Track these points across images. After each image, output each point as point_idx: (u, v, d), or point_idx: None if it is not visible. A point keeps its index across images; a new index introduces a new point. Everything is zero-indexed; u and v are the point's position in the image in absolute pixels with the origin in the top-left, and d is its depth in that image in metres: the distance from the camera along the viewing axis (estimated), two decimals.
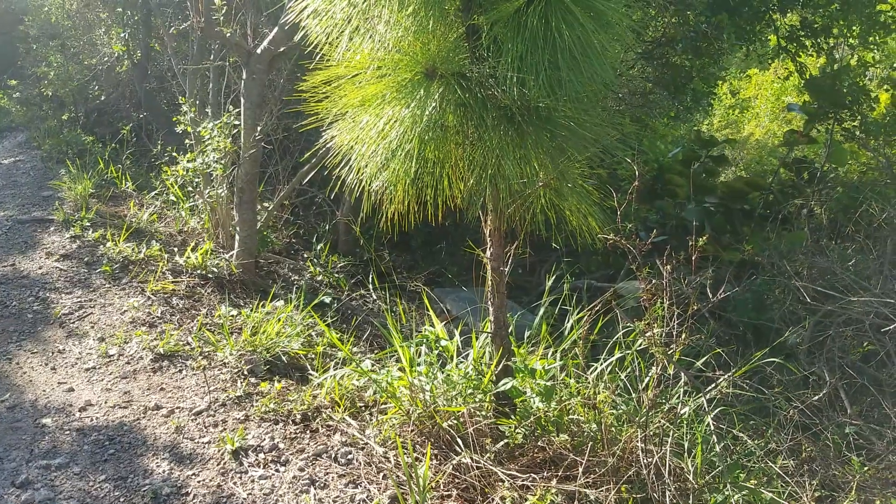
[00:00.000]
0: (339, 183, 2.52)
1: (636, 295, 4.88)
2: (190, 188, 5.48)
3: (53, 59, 9.15)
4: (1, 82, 11.14)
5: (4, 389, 3.18)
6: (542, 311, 3.36)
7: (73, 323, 3.90)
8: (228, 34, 4.25)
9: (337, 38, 2.34)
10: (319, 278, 5.64)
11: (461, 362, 3.02)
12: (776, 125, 10.83)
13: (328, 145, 2.55)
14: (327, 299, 4.77)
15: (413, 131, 2.27)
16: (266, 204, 5.85)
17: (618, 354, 2.94)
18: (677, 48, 6.22)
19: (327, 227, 6.61)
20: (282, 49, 4.45)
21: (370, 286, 5.35)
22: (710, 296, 2.87)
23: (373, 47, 2.31)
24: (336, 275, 5.69)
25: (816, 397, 3.03)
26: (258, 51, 4.43)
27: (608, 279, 6.02)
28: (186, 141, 5.37)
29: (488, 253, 2.88)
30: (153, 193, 6.06)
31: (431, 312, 3.47)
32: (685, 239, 6.11)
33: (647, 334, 2.63)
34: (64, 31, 9.32)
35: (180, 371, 3.43)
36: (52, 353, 3.57)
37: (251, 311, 4.05)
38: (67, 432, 2.87)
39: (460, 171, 2.63)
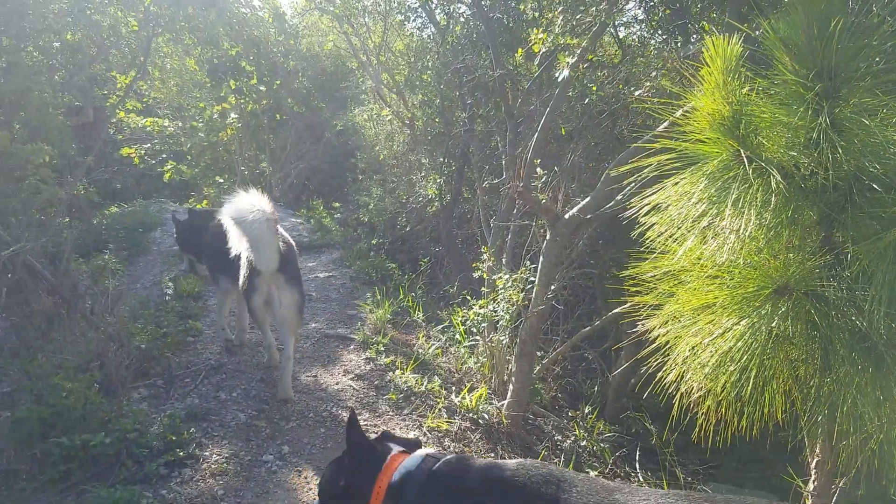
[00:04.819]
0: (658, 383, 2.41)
1: None
2: (474, 329, 5.74)
3: (375, 191, 10.64)
4: (327, 204, 13.22)
5: None
6: None
7: None
8: (543, 200, 4.49)
9: (674, 235, 2.30)
10: (583, 443, 5.42)
11: None
12: None
13: (621, 316, 2.47)
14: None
15: (751, 346, 2.09)
16: (539, 354, 5.89)
17: None
18: None
19: (595, 388, 6.42)
20: (588, 216, 4.57)
21: (637, 465, 5.00)
22: None
23: (716, 251, 2.21)
24: (601, 444, 5.42)
25: None
26: (566, 216, 4.61)
27: None
28: (483, 288, 5.70)
29: (811, 486, 2.49)
30: (440, 327, 6.46)
31: None
32: None
33: None
34: (387, 169, 10.85)
35: None
36: None
37: None
38: None
39: (787, 388, 2.35)
